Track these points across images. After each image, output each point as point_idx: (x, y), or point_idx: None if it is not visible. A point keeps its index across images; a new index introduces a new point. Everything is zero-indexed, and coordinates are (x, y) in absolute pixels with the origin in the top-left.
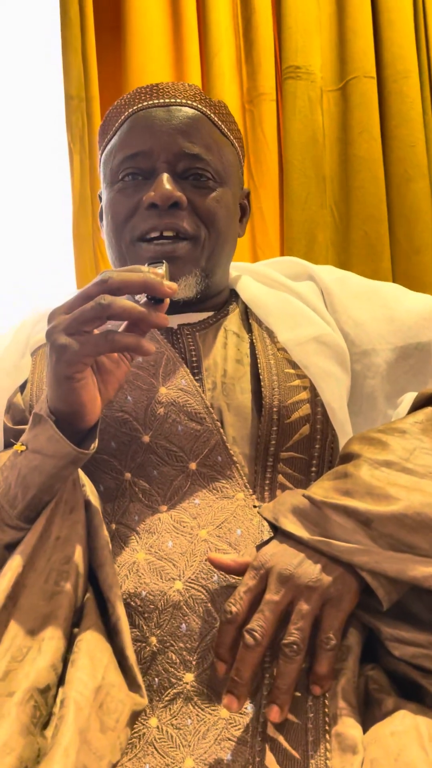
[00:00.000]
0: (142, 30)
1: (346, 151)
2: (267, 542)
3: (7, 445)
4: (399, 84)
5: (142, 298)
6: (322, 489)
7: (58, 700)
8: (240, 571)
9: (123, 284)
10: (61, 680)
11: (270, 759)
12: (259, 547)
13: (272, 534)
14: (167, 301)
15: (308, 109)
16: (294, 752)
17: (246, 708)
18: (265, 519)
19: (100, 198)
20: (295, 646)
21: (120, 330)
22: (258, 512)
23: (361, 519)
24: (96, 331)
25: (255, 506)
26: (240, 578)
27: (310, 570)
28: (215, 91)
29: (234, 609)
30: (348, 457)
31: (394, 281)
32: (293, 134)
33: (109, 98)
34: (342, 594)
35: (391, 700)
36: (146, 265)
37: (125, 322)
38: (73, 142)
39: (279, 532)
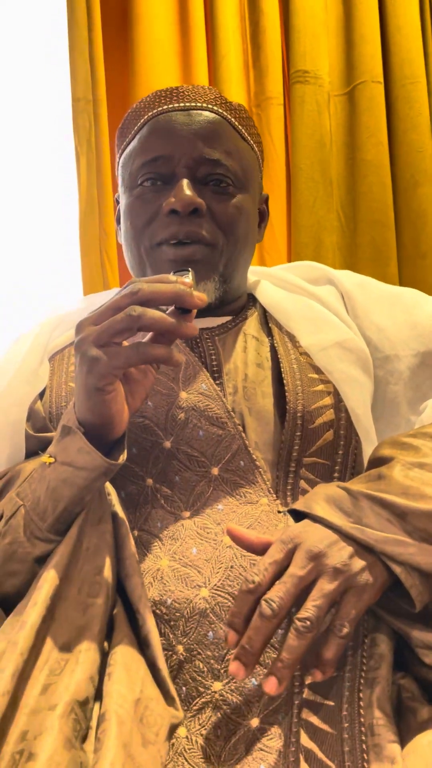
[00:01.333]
0: (150, 33)
1: (354, 156)
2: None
3: (28, 452)
4: (407, 89)
5: (169, 307)
6: (357, 487)
7: (94, 714)
8: (260, 549)
9: (153, 295)
10: (96, 692)
11: None
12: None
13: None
14: (195, 310)
15: (316, 113)
16: (330, 763)
17: (277, 717)
18: (297, 511)
19: (117, 201)
20: (309, 622)
21: (145, 340)
22: (290, 508)
23: (396, 512)
24: (125, 343)
25: (279, 511)
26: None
27: (341, 553)
28: (223, 94)
29: (257, 579)
30: (379, 461)
31: (400, 285)
32: (301, 138)
33: (116, 100)
34: (366, 585)
35: (425, 709)
36: (172, 273)
37: (150, 333)
38: (80, 144)
39: (310, 518)
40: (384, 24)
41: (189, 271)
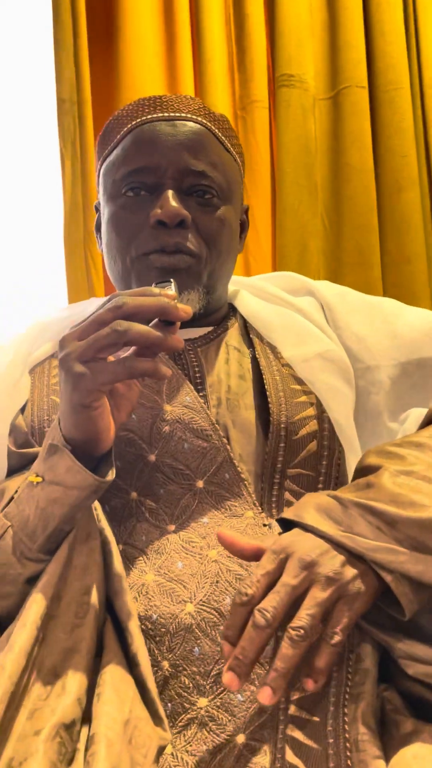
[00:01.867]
0: (135, 34)
1: (338, 160)
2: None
3: (10, 470)
4: (390, 94)
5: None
6: (347, 495)
7: (82, 735)
8: (250, 554)
9: (138, 309)
10: (84, 713)
11: None
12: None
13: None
14: (179, 322)
15: (301, 117)
16: None
17: (263, 733)
18: (285, 520)
19: (97, 209)
20: (302, 631)
21: (128, 353)
22: (279, 517)
23: (386, 520)
24: (110, 358)
25: (265, 524)
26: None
27: (333, 562)
28: (208, 98)
29: (250, 591)
30: (366, 471)
31: (384, 290)
32: (286, 143)
33: (101, 102)
34: (359, 594)
35: (409, 721)
36: (154, 284)
37: (133, 347)
38: (65, 146)
39: (300, 527)
40: (368, 29)
41: (171, 282)
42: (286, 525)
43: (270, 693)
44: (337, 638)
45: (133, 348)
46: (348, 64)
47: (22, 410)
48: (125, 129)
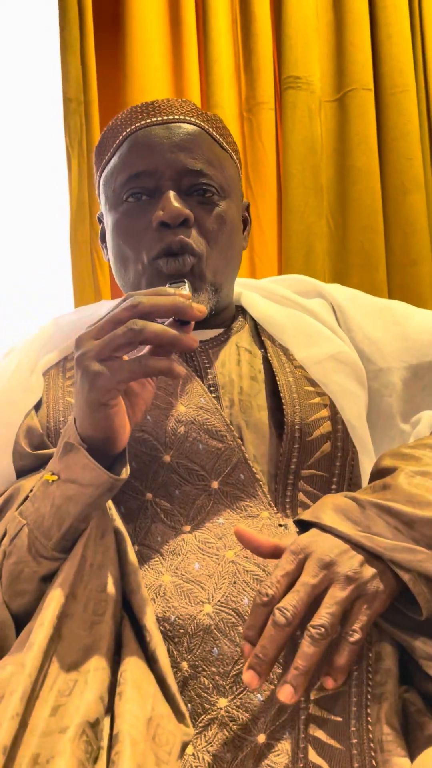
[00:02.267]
0: (142, 34)
1: (344, 163)
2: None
3: (23, 470)
4: (396, 97)
5: (167, 319)
6: (364, 496)
7: (105, 734)
8: (268, 552)
9: (153, 308)
10: (106, 711)
11: None
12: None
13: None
14: (193, 322)
15: (307, 119)
16: None
17: (284, 733)
18: (305, 522)
19: (100, 220)
20: (323, 629)
21: (143, 353)
22: (297, 518)
23: (404, 519)
24: (125, 357)
25: (281, 525)
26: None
27: (351, 561)
28: (215, 98)
29: (270, 591)
30: (382, 473)
31: (389, 293)
32: (293, 144)
33: (108, 101)
34: (377, 593)
35: None
36: (168, 284)
37: (148, 346)
38: (71, 145)
39: (318, 527)
40: (374, 33)
41: (185, 282)
42: (304, 526)
43: (291, 691)
44: (356, 636)
45: (148, 347)
46: (354, 66)
47: (37, 410)
48: (120, 137)
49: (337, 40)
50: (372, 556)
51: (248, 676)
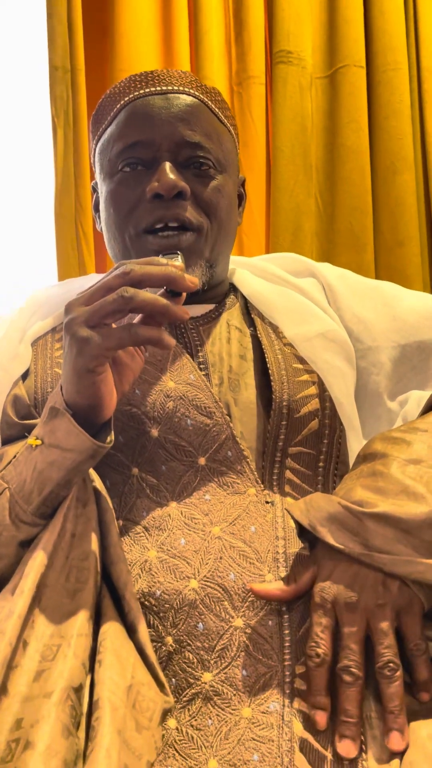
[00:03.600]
0: (131, 2)
1: (333, 141)
2: (310, 558)
3: (10, 440)
4: (388, 75)
5: (159, 290)
6: (355, 490)
7: (84, 701)
8: (288, 599)
9: (145, 277)
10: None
11: (300, 759)
12: (298, 561)
13: (296, 530)
14: (184, 294)
15: (298, 95)
16: (326, 752)
17: (269, 707)
18: (297, 521)
19: (94, 189)
20: (391, 664)
21: (135, 322)
22: (288, 512)
23: (402, 527)
24: (114, 325)
25: (267, 502)
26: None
27: (372, 589)
28: (204, 71)
29: (320, 650)
30: (371, 457)
31: (376, 273)
32: (283, 121)
33: (95, 70)
34: (411, 600)
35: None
36: (161, 256)
37: (140, 315)
38: (57, 115)
39: (321, 544)
40: (368, 8)
41: (178, 254)
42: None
43: (400, 737)
44: (422, 647)
45: (139, 316)
46: (346, 42)
47: (24, 380)
48: (118, 106)
49: (330, 15)
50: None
51: (345, 747)
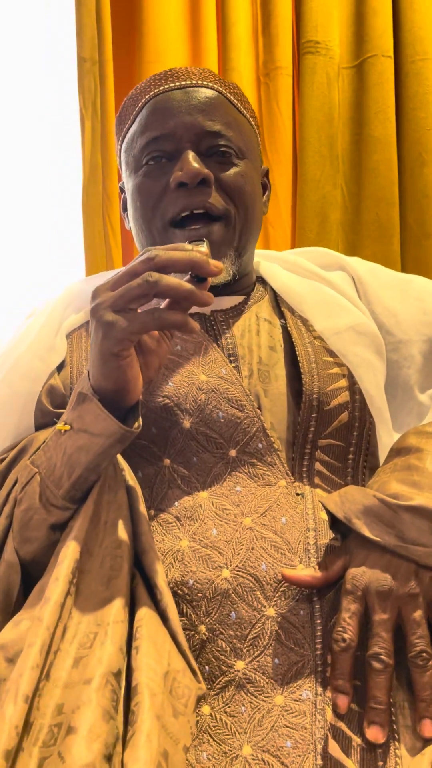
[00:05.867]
0: None
1: (360, 131)
2: (342, 548)
3: (43, 428)
4: (417, 66)
5: (185, 277)
6: (390, 484)
7: (122, 685)
8: (319, 585)
9: (170, 262)
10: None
11: (333, 746)
12: (330, 551)
13: (328, 523)
14: (210, 280)
15: (326, 86)
16: (358, 740)
17: (302, 695)
18: (331, 514)
19: (122, 190)
20: (424, 654)
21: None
22: (321, 504)
23: None
24: (139, 310)
25: (298, 494)
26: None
27: (405, 578)
28: (231, 62)
29: (347, 636)
30: (405, 451)
31: (402, 265)
32: (310, 111)
33: (123, 62)
34: None
35: None
36: (187, 242)
37: (167, 300)
38: (85, 106)
39: (354, 535)
40: None
41: (204, 241)
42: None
43: (430, 724)
44: None
45: (165, 302)
46: (374, 32)
47: (59, 371)
48: (140, 104)
49: (358, 5)
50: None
51: (373, 733)
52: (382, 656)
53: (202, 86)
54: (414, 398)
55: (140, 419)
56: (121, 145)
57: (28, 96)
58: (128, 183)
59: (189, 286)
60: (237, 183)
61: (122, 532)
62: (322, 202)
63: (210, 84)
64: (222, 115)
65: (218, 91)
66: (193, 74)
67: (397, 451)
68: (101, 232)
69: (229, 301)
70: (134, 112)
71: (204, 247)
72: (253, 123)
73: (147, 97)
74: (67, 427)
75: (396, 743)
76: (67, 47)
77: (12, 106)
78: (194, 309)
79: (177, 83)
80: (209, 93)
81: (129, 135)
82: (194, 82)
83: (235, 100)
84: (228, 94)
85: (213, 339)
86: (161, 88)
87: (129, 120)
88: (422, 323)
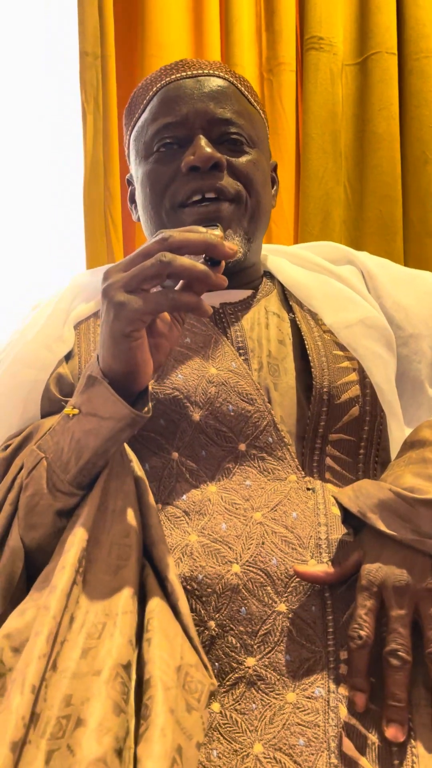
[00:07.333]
0: None
1: (364, 128)
2: (355, 543)
3: (49, 416)
4: (421, 63)
5: (199, 259)
6: (405, 477)
7: (132, 677)
8: (333, 581)
9: (184, 243)
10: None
11: (347, 744)
12: (343, 546)
13: (340, 518)
14: (224, 263)
15: (329, 82)
16: (374, 737)
17: (314, 692)
18: (343, 508)
19: (129, 182)
20: None
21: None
22: (335, 499)
23: None
24: (153, 290)
25: (309, 488)
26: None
27: (423, 573)
28: (235, 58)
29: (363, 633)
30: (419, 444)
31: (405, 262)
32: (313, 107)
33: (125, 57)
34: None
35: None
36: (201, 226)
37: (180, 282)
38: (87, 101)
39: (367, 530)
40: None
41: (218, 225)
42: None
43: None
44: None
45: (180, 284)
46: (378, 28)
47: (68, 361)
48: (151, 93)
49: (362, 1)
50: None
51: (392, 732)
52: (400, 653)
53: (213, 75)
54: (424, 392)
55: (150, 404)
56: (130, 135)
57: (28, 96)
58: (138, 171)
59: (203, 267)
60: (249, 169)
61: (131, 521)
62: (325, 199)
63: (221, 74)
64: (233, 103)
65: (229, 81)
66: (204, 65)
67: (411, 444)
68: (102, 227)
69: (237, 295)
70: (145, 101)
71: (218, 231)
72: (263, 115)
73: (158, 85)
74: (76, 411)
75: (413, 741)
76: (68, 47)
77: (13, 106)
78: (204, 296)
79: (188, 72)
80: (220, 82)
81: (139, 123)
82: (205, 71)
83: (246, 92)
84: (239, 85)
85: (222, 332)
86: (173, 77)
87: (139, 109)
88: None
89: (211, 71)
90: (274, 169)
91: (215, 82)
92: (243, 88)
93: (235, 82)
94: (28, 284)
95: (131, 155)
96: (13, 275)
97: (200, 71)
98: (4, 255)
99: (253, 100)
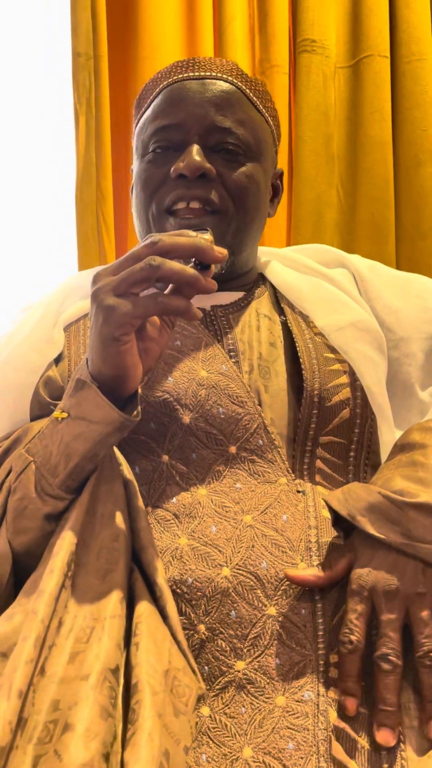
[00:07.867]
0: None
1: (356, 131)
2: (346, 547)
3: (38, 419)
4: (413, 66)
5: (188, 263)
6: (395, 480)
7: (120, 681)
8: (323, 584)
9: (173, 247)
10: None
11: (337, 748)
12: (333, 549)
13: (331, 521)
14: (213, 267)
15: (321, 84)
16: (363, 741)
17: (303, 695)
18: (334, 511)
19: (133, 172)
20: None
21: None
22: (325, 502)
23: None
24: (141, 295)
25: (299, 491)
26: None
27: (413, 576)
28: (227, 60)
29: (354, 638)
30: (409, 447)
31: (397, 265)
32: (306, 110)
33: (118, 58)
34: None
35: None
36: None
37: (170, 286)
38: (79, 102)
39: (357, 533)
40: None
41: (207, 230)
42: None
43: None
44: None
45: (170, 288)
46: (371, 31)
47: (57, 363)
48: (157, 90)
49: (354, 4)
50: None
51: (383, 736)
52: (391, 657)
53: (220, 79)
54: (415, 395)
55: (139, 408)
56: (136, 127)
57: (27, 96)
58: (135, 167)
59: (193, 271)
60: (240, 183)
61: (119, 525)
62: (317, 202)
63: (230, 78)
64: (235, 111)
65: (237, 86)
66: (215, 66)
67: (401, 447)
68: (94, 227)
69: (228, 297)
70: (151, 97)
71: (208, 235)
72: (271, 123)
73: (165, 83)
74: (65, 414)
75: (402, 745)
76: (67, 47)
77: (12, 106)
78: (194, 300)
79: (196, 73)
80: (226, 87)
81: (143, 119)
82: (213, 74)
83: (255, 98)
84: (248, 90)
85: (213, 334)
86: (179, 76)
87: (145, 104)
88: (423, 321)
89: (219, 74)
90: (280, 176)
91: (220, 87)
92: (252, 94)
93: (243, 87)
94: (28, 284)
95: (133, 148)
96: (12, 275)
97: (207, 73)
98: (4, 255)
99: (261, 107)
